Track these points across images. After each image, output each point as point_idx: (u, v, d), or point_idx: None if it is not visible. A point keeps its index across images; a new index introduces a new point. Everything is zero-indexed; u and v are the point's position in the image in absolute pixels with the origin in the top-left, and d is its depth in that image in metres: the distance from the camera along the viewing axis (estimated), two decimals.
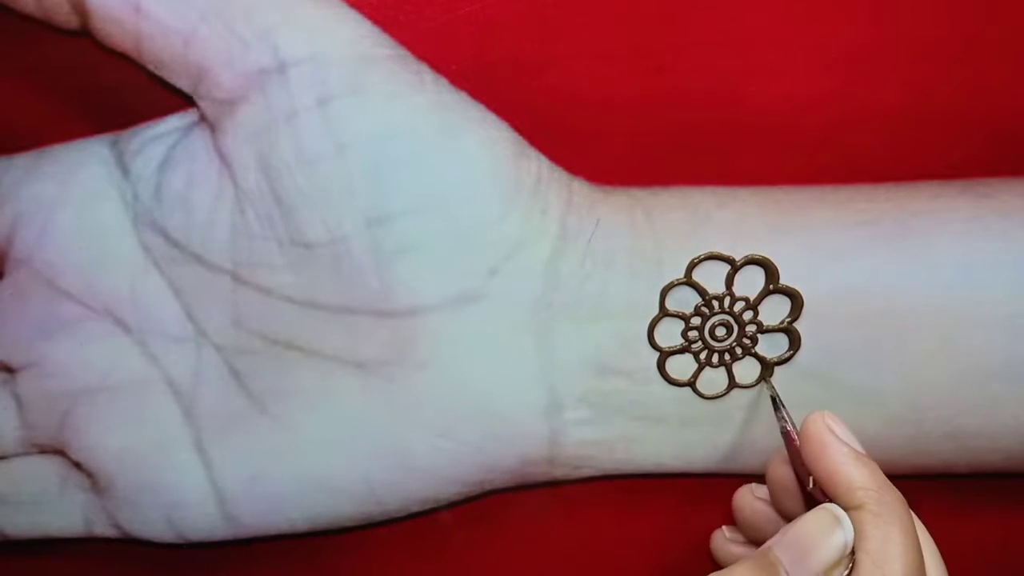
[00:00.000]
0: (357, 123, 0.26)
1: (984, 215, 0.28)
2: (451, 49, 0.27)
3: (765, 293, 0.28)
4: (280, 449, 0.28)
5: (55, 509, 0.30)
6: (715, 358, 0.29)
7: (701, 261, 0.28)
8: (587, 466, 0.30)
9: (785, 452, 0.27)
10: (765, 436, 0.29)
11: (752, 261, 0.28)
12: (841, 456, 0.24)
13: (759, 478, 0.30)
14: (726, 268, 0.28)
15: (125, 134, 0.29)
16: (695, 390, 0.29)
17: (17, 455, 0.30)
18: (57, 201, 0.28)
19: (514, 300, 0.27)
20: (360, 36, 0.26)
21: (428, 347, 0.27)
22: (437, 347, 0.27)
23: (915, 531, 0.23)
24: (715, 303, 0.28)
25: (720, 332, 0.29)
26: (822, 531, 0.23)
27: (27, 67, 0.28)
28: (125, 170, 0.28)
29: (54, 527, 0.30)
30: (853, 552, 0.23)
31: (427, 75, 0.27)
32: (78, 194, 0.28)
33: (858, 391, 0.28)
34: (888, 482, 0.24)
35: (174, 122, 0.28)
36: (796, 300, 0.28)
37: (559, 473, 0.30)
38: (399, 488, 0.29)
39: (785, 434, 0.26)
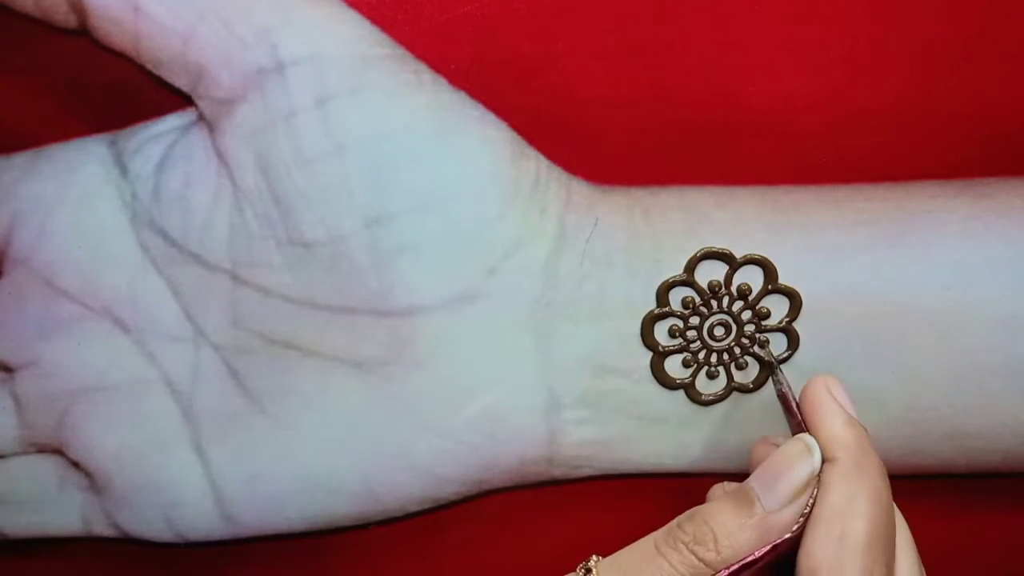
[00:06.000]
0: (356, 123, 0.26)
1: (983, 215, 0.28)
2: (450, 49, 0.27)
3: (764, 293, 0.28)
4: (279, 449, 0.28)
5: (54, 508, 0.30)
6: (713, 358, 0.29)
7: (699, 259, 0.27)
8: (586, 466, 0.30)
9: (768, 437, 0.27)
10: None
11: (751, 261, 0.28)
12: (831, 415, 0.24)
13: None
14: (724, 268, 0.28)
15: (123, 133, 0.29)
16: (694, 389, 0.29)
17: (16, 454, 0.30)
18: (55, 200, 0.28)
19: (513, 300, 0.27)
20: (359, 36, 0.26)
21: (427, 347, 0.27)
22: (436, 347, 0.27)
23: (889, 501, 0.23)
24: (713, 303, 0.28)
25: (719, 332, 0.29)
26: (792, 458, 0.23)
27: (26, 67, 0.28)
28: (123, 169, 0.28)
29: (53, 526, 0.30)
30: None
31: (426, 75, 0.27)
32: (76, 193, 0.28)
33: (857, 391, 0.28)
34: (872, 450, 0.24)
35: (172, 121, 0.28)
36: (795, 300, 0.28)
37: (558, 473, 0.30)
38: (398, 488, 0.29)
39: (781, 396, 0.26)
